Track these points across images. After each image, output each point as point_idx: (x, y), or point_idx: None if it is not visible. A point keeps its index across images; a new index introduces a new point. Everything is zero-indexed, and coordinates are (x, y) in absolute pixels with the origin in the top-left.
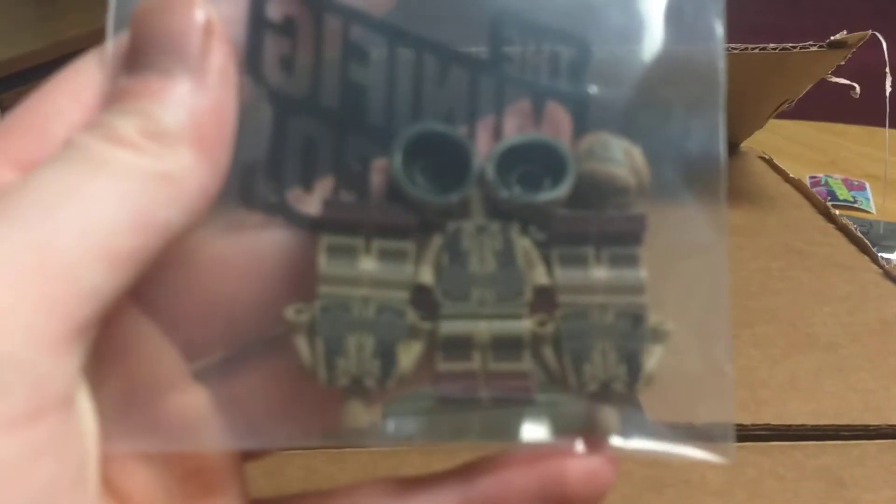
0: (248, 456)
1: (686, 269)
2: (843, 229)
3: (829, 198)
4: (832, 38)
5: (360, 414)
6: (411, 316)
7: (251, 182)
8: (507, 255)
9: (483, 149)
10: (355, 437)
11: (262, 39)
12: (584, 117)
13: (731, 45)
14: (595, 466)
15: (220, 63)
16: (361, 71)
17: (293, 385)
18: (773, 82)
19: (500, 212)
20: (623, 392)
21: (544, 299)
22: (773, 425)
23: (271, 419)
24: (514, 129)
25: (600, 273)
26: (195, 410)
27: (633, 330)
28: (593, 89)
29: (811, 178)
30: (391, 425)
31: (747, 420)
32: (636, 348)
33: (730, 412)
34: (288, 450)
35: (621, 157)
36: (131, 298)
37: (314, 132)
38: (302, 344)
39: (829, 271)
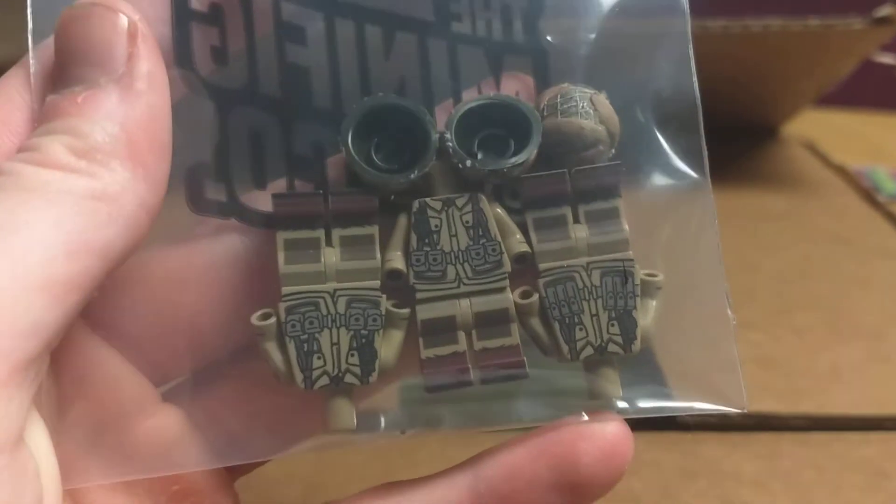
0: (236, 472)
1: (673, 218)
2: (889, 217)
3: (875, 191)
4: (876, 12)
5: (346, 414)
6: (386, 304)
7: (198, 185)
8: (479, 227)
9: (441, 118)
10: (345, 438)
11: (188, 32)
12: (545, 69)
13: (772, 20)
14: (608, 441)
15: (148, 68)
16: (300, 51)
17: (271, 393)
18: (814, 60)
19: (466, 182)
20: (621, 354)
21: (525, 267)
22: (813, 415)
23: (251, 431)
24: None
25: (580, 233)
26: (168, 432)
27: (622, 287)
28: (550, 38)
29: (856, 170)
30: (381, 420)
31: (785, 410)
32: (628, 306)
33: (735, 359)
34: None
35: (587, 108)
36: (87, 324)
37: (259, 124)
38: (272, 350)
39: (874, 259)
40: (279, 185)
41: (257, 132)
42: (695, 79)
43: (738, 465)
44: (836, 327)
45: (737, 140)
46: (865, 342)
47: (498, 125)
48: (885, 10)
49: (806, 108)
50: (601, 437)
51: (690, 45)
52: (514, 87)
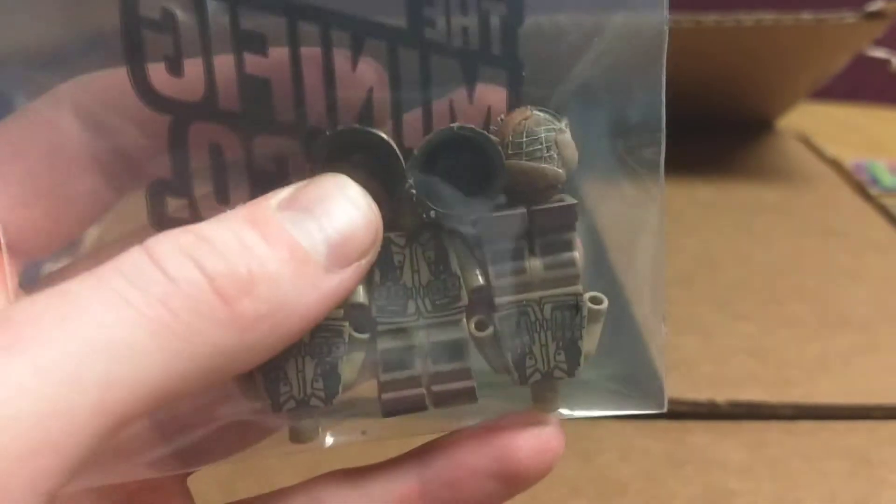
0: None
1: (625, 240)
2: (880, 210)
3: (872, 184)
4: (868, 6)
5: (309, 432)
6: (348, 331)
7: (160, 202)
8: (441, 262)
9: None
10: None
11: (140, 40)
12: (518, 84)
13: (764, 14)
14: (543, 440)
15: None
16: (260, 61)
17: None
18: (807, 55)
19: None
20: (565, 378)
21: (482, 298)
22: (801, 404)
23: (212, 436)
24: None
25: (535, 267)
26: (131, 438)
27: (571, 320)
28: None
29: (855, 163)
30: (340, 430)
31: (773, 399)
32: (574, 336)
33: (660, 367)
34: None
35: (552, 153)
36: None
37: (218, 138)
38: (241, 379)
39: (865, 251)
40: (243, 199)
41: (218, 146)
42: (663, 121)
43: (726, 453)
44: (826, 318)
45: (731, 133)
46: (854, 333)
47: (464, 154)
48: (876, 5)
49: (800, 102)
50: (538, 435)
51: (663, 85)
52: (489, 98)
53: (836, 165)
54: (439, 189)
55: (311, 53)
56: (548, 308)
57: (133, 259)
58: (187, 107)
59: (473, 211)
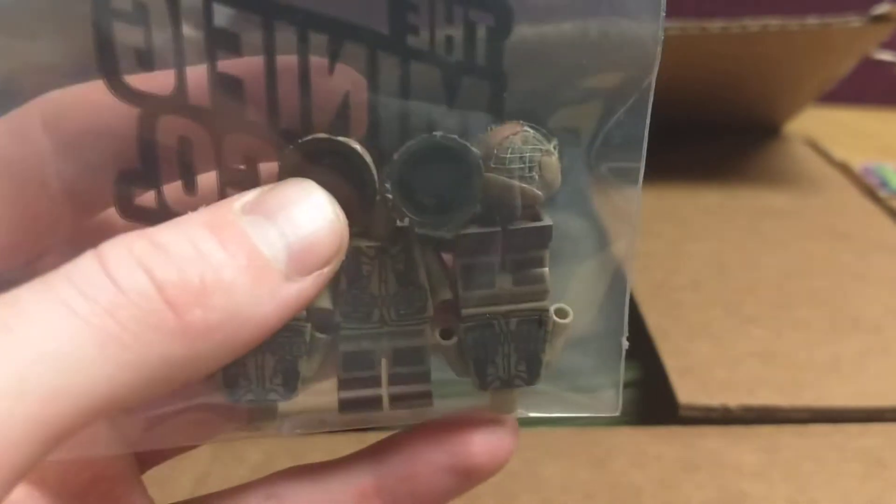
0: (146, 464)
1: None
2: (889, 212)
3: (881, 187)
4: (873, 10)
5: (267, 421)
6: (310, 334)
7: (127, 192)
8: (409, 275)
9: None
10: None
11: (110, 31)
12: (501, 97)
13: (770, 20)
14: (498, 438)
15: None
16: (233, 60)
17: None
18: (813, 59)
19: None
20: (524, 387)
21: (449, 309)
22: (813, 408)
23: (165, 422)
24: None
25: (505, 281)
26: None
27: (535, 334)
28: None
29: (864, 167)
30: (299, 419)
31: (785, 402)
32: (537, 350)
33: (618, 377)
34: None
35: (533, 171)
36: None
37: (188, 132)
38: None
39: (874, 254)
40: (208, 188)
41: (187, 140)
42: (645, 142)
43: (739, 457)
44: (836, 321)
45: (739, 138)
46: (865, 335)
47: (442, 163)
48: (882, 8)
49: (807, 107)
50: (493, 433)
51: (649, 109)
52: (347, 78)
53: (844, 169)
54: (415, 196)
55: (287, 60)
56: (514, 322)
57: (84, 266)
58: (156, 100)
59: (448, 221)
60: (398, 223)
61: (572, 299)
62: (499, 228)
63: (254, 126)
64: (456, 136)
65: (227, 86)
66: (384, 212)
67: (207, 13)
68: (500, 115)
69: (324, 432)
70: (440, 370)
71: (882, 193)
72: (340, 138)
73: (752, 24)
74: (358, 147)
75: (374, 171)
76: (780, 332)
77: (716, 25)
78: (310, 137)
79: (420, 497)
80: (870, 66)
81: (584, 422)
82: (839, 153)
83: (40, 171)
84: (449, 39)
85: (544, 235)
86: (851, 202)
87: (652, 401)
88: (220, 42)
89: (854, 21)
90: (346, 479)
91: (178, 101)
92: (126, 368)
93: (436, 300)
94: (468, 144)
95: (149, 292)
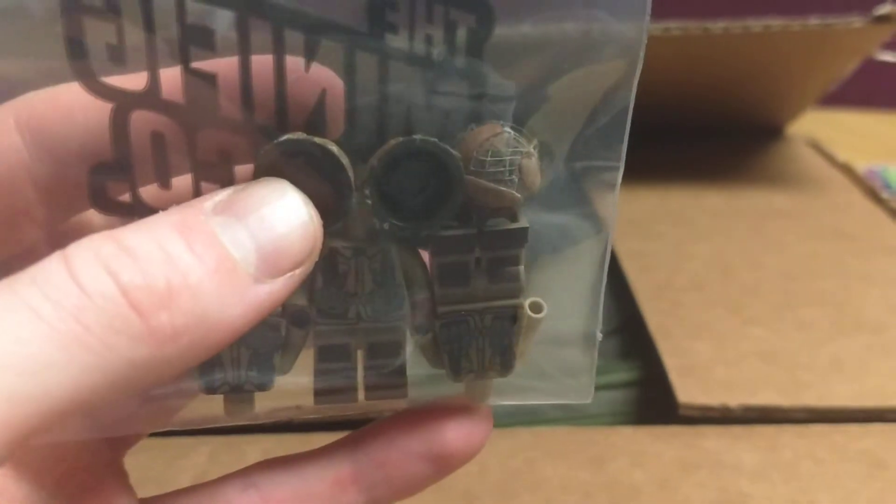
0: (119, 450)
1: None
2: (892, 213)
3: (885, 189)
4: (876, 10)
5: (242, 410)
6: (285, 328)
7: (101, 185)
8: (385, 275)
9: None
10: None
11: (81, 26)
12: (480, 98)
13: (772, 20)
14: (472, 425)
15: None
16: (207, 56)
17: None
18: (815, 60)
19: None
20: (497, 378)
21: (424, 306)
22: (814, 408)
23: (137, 406)
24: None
25: (480, 280)
26: None
27: (510, 328)
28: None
29: (868, 169)
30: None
31: (786, 402)
32: (511, 343)
33: (590, 365)
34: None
35: (513, 175)
36: None
37: (161, 127)
38: None
39: (877, 255)
40: (184, 182)
41: (160, 134)
42: (625, 146)
43: (739, 456)
44: (838, 322)
45: (742, 139)
46: (867, 336)
47: (422, 166)
48: (884, 9)
49: (809, 108)
50: (467, 421)
51: (630, 111)
52: (323, 78)
53: (846, 170)
54: (395, 200)
55: (262, 58)
56: (488, 318)
57: (49, 269)
58: (129, 95)
59: (429, 226)
60: (377, 227)
61: (556, 293)
62: (476, 230)
63: (228, 122)
64: (436, 140)
65: (201, 81)
66: (362, 213)
67: (180, 8)
68: (480, 117)
69: (308, 431)
70: (417, 365)
71: (885, 195)
72: (317, 139)
73: (755, 24)
74: (335, 149)
75: (351, 174)
76: (781, 332)
77: (718, 26)
78: (285, 137)
79: (395, 484)
80: (872, 67)
81: (584, 421)
82: (842, 155)
83: (14, 171)
84: (429, 39)
85: (520, 237)
86: (854, 203)
87: (652, 400)
88: (194, 38)
89: (856, 22)
90: (323, 468)
91: (151, 96)
92: (91, 371)
93: (412, 297)
94: (448, 148)
95: (114, 296)
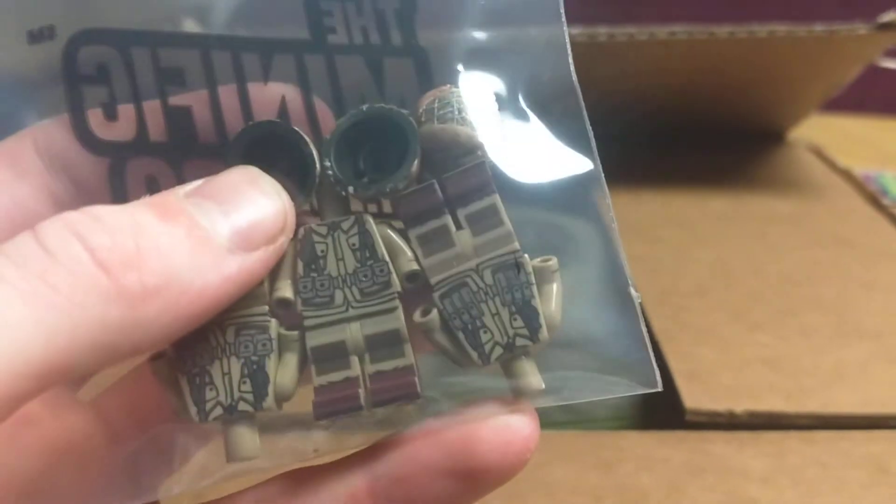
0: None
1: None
2: (893, 220)
3: (882, 195)
4: (880, 18)
5: (246, 442)
6: (276, 328)
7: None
8: (366, 249)
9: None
10: (250, 466)
11: (80, 96)
12: (427, 69)
13: (777, 26)
14: (509, 430)
15: None
16: (180, 93)
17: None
18: (819, 66)
19: (351, 202)
20: (530, 345)
21: (419, 284)
22: (819, 414)
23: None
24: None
25: (464, 237)
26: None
27: (516, 279)
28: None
29: (864, 174)
30: (287, 449)
31: (791, 409)
32: (525, 296)
33: (643, 337)
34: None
35: (463, 113)
36: None
37: (153, 170)
38: (168, 389)
39: (879, 261)
40: None
41: (153, 177)
42: (571, 62)
43: (746, 462)
44: (841, 328)
45: (743, 145)
46: (870, 342)
47: (379, 136)
48: (888, 16)
49: (812, 114)
50: (502, 426)
51: (567, 36)
52: (281, 90)
53: (847, 176)
54: (356, 168)
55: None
56: (488, 273)
57: (18, 240)
58: (122, 146)
59: (390, 180)
60: (343, 193)
61: (581, 298)
62: (433, 181)
63: (207, 148)
64: (382, 104)
65: (179, 116)
66: (331, 191)
67: (154, 58)
68: (428, 85)
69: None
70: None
71: (884, 201)
72: (278, 120)
73: (760, 29)
74: (296, 128)
75: (314, 149)
76: (785, 338)
77: (723, 30)
78: (251, 123)
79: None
80: (867, 73)
81: (591, 425)
82: (840, 161)
83: (37, 191)
84: (364, 30)
85: (481, 173)
86: (855, 209)
87: (658, 405)
88: (168, 79)
89: (860, 28)
90: (337, 483)
91: (140, 142)
92: (61, 332)
93: (400, 273)
94: (396, 108)
95: (80, 256)
